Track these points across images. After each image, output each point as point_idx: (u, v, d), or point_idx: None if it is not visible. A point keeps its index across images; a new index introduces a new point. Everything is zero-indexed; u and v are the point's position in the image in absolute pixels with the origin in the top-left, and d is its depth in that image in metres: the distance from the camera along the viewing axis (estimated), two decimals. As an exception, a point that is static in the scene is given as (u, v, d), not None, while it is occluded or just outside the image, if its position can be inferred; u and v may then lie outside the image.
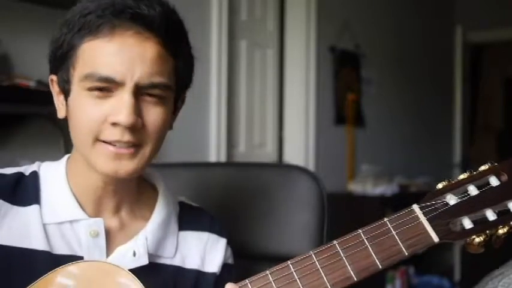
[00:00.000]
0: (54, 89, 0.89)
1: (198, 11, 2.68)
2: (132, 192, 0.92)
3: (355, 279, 0.75)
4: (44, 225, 0.85)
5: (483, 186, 0.79)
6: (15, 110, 1.89)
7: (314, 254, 0.76)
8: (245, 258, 1.10)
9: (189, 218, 0.98)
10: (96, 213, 0.88)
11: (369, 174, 3.70)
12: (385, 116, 4.13)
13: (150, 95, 0.82)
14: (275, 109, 3.38)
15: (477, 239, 0.76)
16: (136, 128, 0.81)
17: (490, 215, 0.77)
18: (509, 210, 0.77)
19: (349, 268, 0.75)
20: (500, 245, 0.78)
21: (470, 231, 0.77)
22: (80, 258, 0.85)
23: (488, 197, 0.78)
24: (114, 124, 0.80)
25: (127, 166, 0.83)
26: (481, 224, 0.77)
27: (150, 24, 0.81)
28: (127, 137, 0.81)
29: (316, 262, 0.76)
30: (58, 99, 0.88)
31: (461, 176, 0.81)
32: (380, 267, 0.76)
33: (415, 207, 0.79)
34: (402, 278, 3.67)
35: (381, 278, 3.41)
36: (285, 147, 3.42)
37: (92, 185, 0.87)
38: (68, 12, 0.84)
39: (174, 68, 0.86)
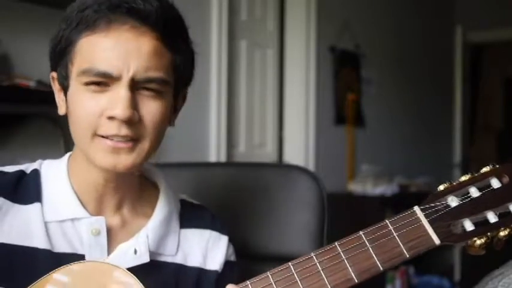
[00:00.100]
0: (55, 86, 0.89)
1: (198, 11, 2.68)
2: (134, 189, 0.92)
3: (356, 281, 0.75)
4: (46, 224, 0.85)
5: (484, 188, 0.79)
6: (15, 110, 1.89)
7: (315, 255, 0.76)
8: (245, 258, 1.10)
9: (190, 215, 0.98)
10: (98, 211, 0.88)
11: (369, 174, 3.70)
12: (385, 116, 4.13)
13: (147, 89, 0.82)
14: (275, 109, 3.37)
15: (478, 241, 0.76)
16: (133, 122, 0.81)
17: (492, 217, 0.77)
18: (510, 212, 0.77)
19: (350, 270, 0.75)
20: (502, 247, 0.78)
21: (472, 234, 0.77)
22: (81, 256, 0.85)
23: (490, 199, 0.78)
24: (111, 118, 0.80)
25: (126, 160, 0.82)
26: (482, 226, 0.77)
27: (146, 18, 0.81)
28: (124, 131, 0.81)
29: (317, 264, 0.76)
30: (59, 96, 0.88)
31: (463, 178, 0.81)
32: (381, 269, 0.76)
33: (417, 209, 0.79)
34: (402, 278, 3.67)
35: (381, 278, 3.40)
36: (285, 147, 3.41)
37: (93, 182, 0.87)
38: (68, 8, 0.84)
39: (172, 63, 0.85)
